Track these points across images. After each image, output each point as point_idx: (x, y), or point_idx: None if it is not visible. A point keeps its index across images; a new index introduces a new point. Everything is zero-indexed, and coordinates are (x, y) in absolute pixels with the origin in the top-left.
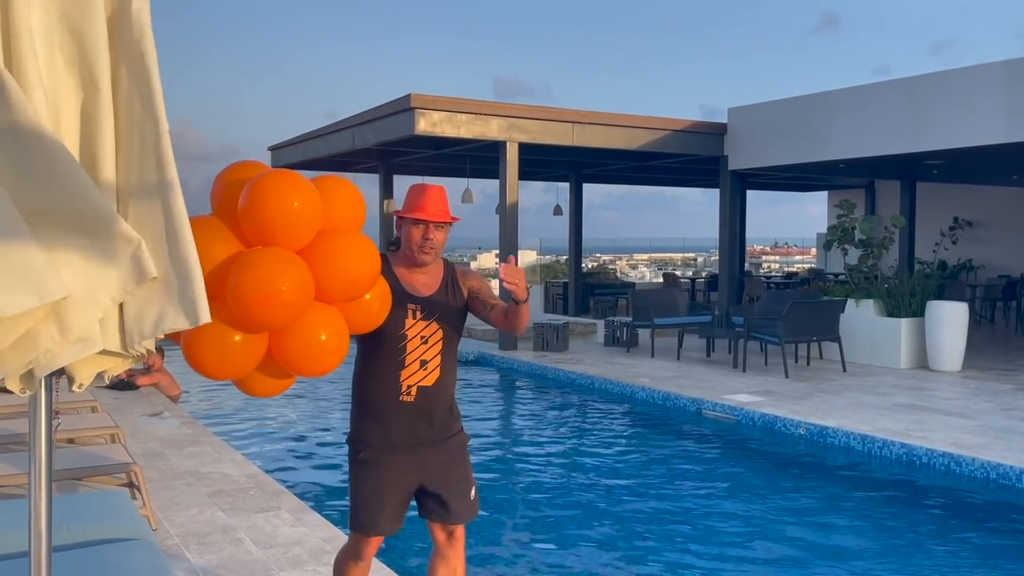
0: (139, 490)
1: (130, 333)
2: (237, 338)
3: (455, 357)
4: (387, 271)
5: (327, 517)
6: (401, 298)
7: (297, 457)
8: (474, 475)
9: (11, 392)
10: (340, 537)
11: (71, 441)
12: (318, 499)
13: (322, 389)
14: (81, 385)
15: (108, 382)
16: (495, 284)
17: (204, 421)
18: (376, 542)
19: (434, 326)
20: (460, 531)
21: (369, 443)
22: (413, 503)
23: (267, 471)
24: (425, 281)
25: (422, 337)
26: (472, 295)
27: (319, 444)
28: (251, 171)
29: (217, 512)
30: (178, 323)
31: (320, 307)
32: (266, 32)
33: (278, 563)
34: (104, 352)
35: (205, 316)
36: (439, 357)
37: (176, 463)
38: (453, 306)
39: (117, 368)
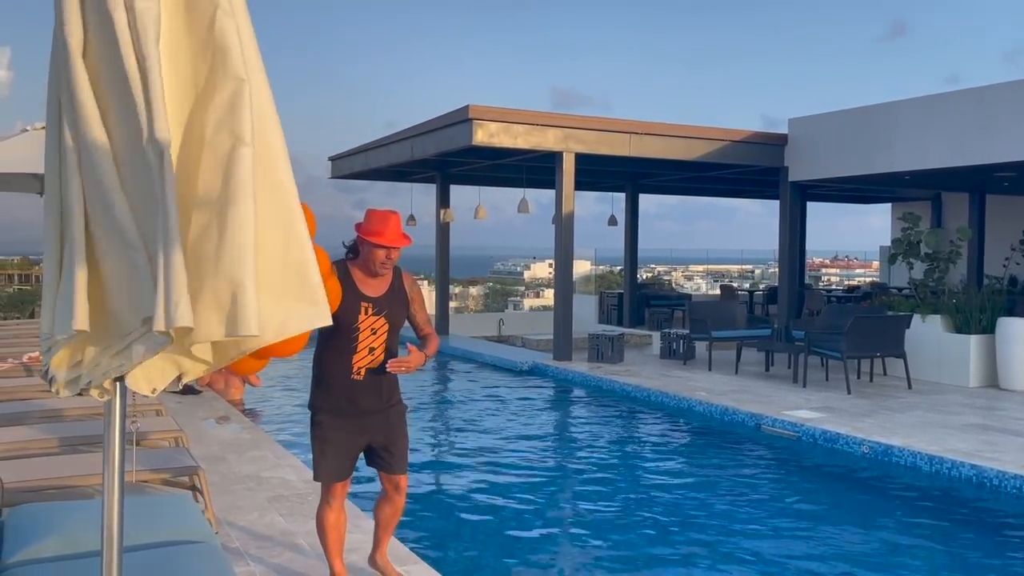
0: (202, 493)
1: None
2: None
3: (397, 344)
4: (346, 274)
5: None
6: (356, 297)
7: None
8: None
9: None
10: (395, 545)
11: (138, 443)
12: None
13: None
14: (155, 390)
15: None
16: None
17: (265, 427)
18: (339, 488)
19: (381, 320)
20: (404, 481)
21: (324, 410)
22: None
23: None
24: (376, 284)
25: (372, 329)
26: (410, 307)
27: None
28: None
29: (276, 517)
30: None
31: None
32: (328, 43)
33: None
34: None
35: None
36: (384, 345)
37: (237, 467)
38: (398, 305)
39: (195, 373)
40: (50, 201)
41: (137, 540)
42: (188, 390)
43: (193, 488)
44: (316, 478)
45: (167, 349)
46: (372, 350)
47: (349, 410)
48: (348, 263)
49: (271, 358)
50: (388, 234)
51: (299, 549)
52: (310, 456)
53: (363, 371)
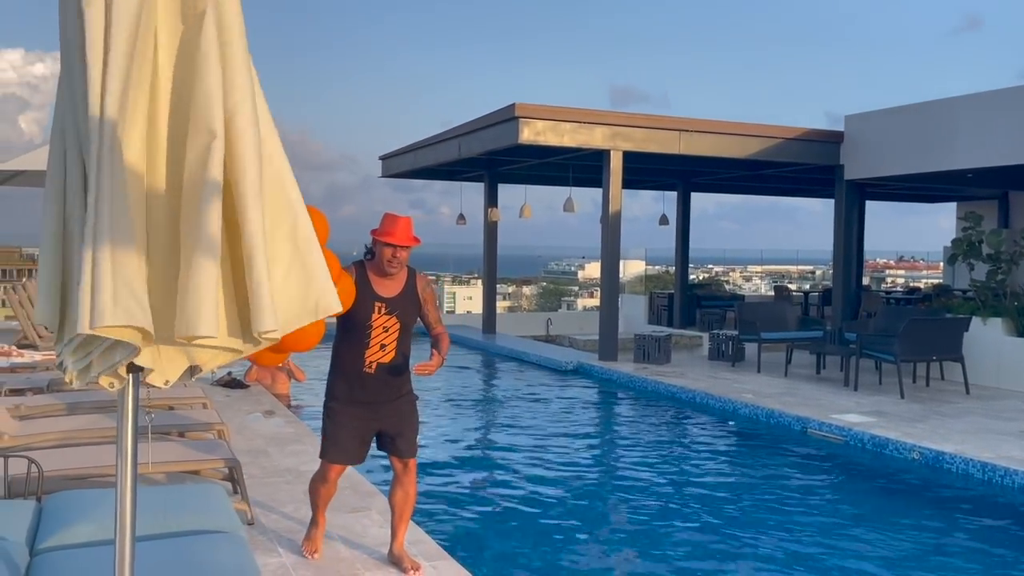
0: (239, 485)
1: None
2: None
3: (409, 341)
4: (362, 275)
5: (415, 521)
6: (371, 297)
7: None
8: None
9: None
10: (426, 540)
11: (180, 435)
12: None
13: (424, 404)
14: (168, 382)
15: (213, 380)
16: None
17: (308, 421)
18: (338, 470)
19: (394, 319)
20: (412, 463)
21: (338, 398)
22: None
23: (361, 472)
24: (390, 285)
25: (384, 327)
26: (423, 307)
27: None
28: None
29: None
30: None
31: None
32: (385, 42)
33: (364, 563)
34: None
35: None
36: (395, 342)
37: (277, 460)
38: (410, 305)
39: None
40: (52, 192)
41: (165, 528)
42: (236, 384)
43: (232, 480)
44: (322, 456)
45: (180, 343)
46: (384, 346)
47: (362, 399)
48: (366, 264)
49: (289, 353)
50: (397, 234)
51: (331, 542)
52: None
53: (375, 365)
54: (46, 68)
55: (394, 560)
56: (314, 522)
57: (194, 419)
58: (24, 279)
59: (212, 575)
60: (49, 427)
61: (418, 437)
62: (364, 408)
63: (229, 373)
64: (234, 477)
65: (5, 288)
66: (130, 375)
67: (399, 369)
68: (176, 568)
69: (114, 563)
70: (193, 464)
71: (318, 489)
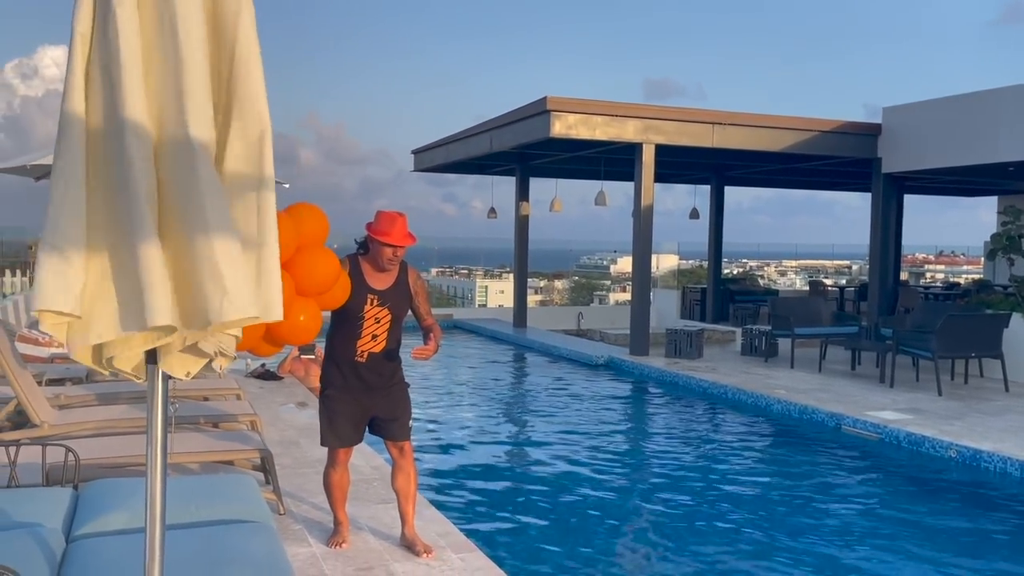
0: (270, 475)
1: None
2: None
3: (399, 332)
4: (355, 268)
5: (444, 513)
6: (363, 289)
7: (422, 454)
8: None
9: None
10: (454, 532)
11: (214, 425)
12: (437, 494)
13: (455, 397)
14: (189, 373)
15: (249, 372)
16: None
17: None
18: (343, 453)
19: (385, 311)
20: (408, 446)
21: (334, 385)
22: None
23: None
24: (383, 278)
25: (376, 318)
26: (414, 300)
27: (445, 444)
28: None
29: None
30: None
31: (300, 299)
32: (419, 36)
33: (393, 555)
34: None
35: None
36: (386, 332)
37: (309, 452)
38: (401, 297)
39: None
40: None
41: (195, 517)
42: (269, 376)
43: (263, 470)
44: (323, 443)
45: (200, 335)
46: (375, 336)
47: (356, 386)
48: (359, 258)
49: (284, 345)
50: (395, 234)
51: (360, 532)
52: (382, 444)
53: (366, 354)
54: None
55: (407, 543)
56: (337, 521)
57: (227, 410)
58: None
59: (243, 565)
60: (86, 416)
61: (411, 422)
62: (358, 395)
63: (263, 365)
64: (266, 467)
65: None
66: (154, 369)
67: (390, 357)
68: (207, 557)
69: (144, 550)
70: (225, 454)
71: (331, 479)
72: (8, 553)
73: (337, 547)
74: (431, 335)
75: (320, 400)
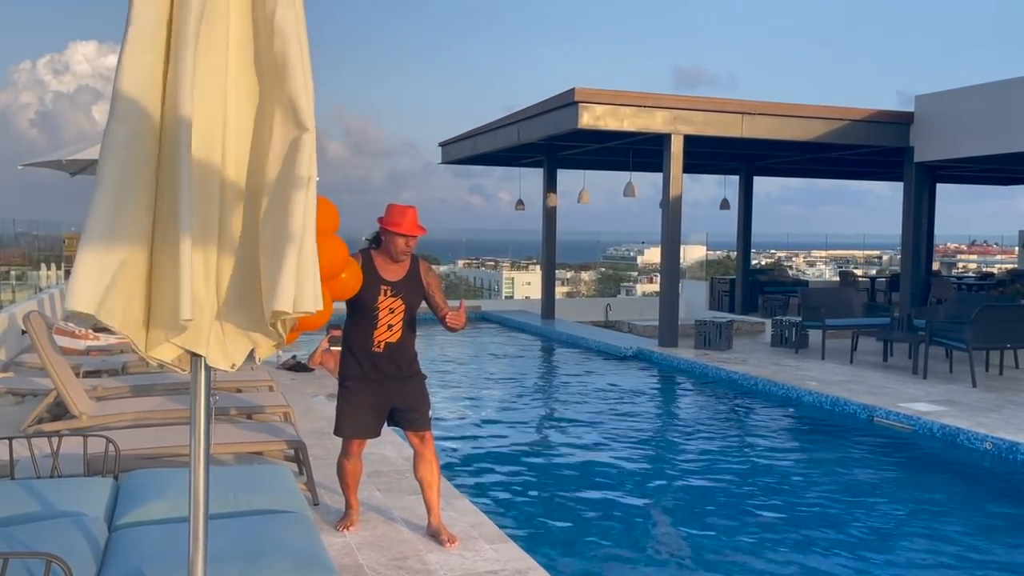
0: (304, 465)
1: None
2: None
3: (414, 322)
4: (368, 261)
5: (476, 504)
6: (377, 281)
7: (453, 446)
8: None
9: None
10: (487, 524)
11: (248, 417)
12: (469, 486)
13: (485, 389)
14: (234, 365)
15: (280, 363)
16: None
17: None
18: (357, 444)
19: (399, 301)
20: (428, 435)
21: (352, 376)
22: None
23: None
24: (395, 270)
25: (390, 309)
26: (428, 290)
27: (476, 436)
28: None
29: (374, 492)
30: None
31: None
32: (446, 27)
33: (426, 545)
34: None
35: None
36: (401, 323)
37: (340, 442)
38: (413, 288)
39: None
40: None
41: (234, 507)
42: (300, 367)
43: (297, 460)
44: (336, 433)
45: (243, 327)
46: (391, 327)
47: (374, 377)
48: (372, 251)
49: (301, 332)
50: (406, 225)
51: (393, 523)
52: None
53: (383, 344)
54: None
55: (432, 532)
56: (348, 505)
57: (260, 402)
58: None
59: (282, 554)
60: (124, 408)
61: (431, 412)
62: (376, 385)
63: (294, 357)
64: (299, 458)
65: None
66: (198, 360)
67: (406, 347)
68: (247, 547)
69: (188, 539)
70: (260, 445)
71: (344, 466)
72: (54, 541)
73: (345, 530)
74: (459, 308)
75: (339, 391)
